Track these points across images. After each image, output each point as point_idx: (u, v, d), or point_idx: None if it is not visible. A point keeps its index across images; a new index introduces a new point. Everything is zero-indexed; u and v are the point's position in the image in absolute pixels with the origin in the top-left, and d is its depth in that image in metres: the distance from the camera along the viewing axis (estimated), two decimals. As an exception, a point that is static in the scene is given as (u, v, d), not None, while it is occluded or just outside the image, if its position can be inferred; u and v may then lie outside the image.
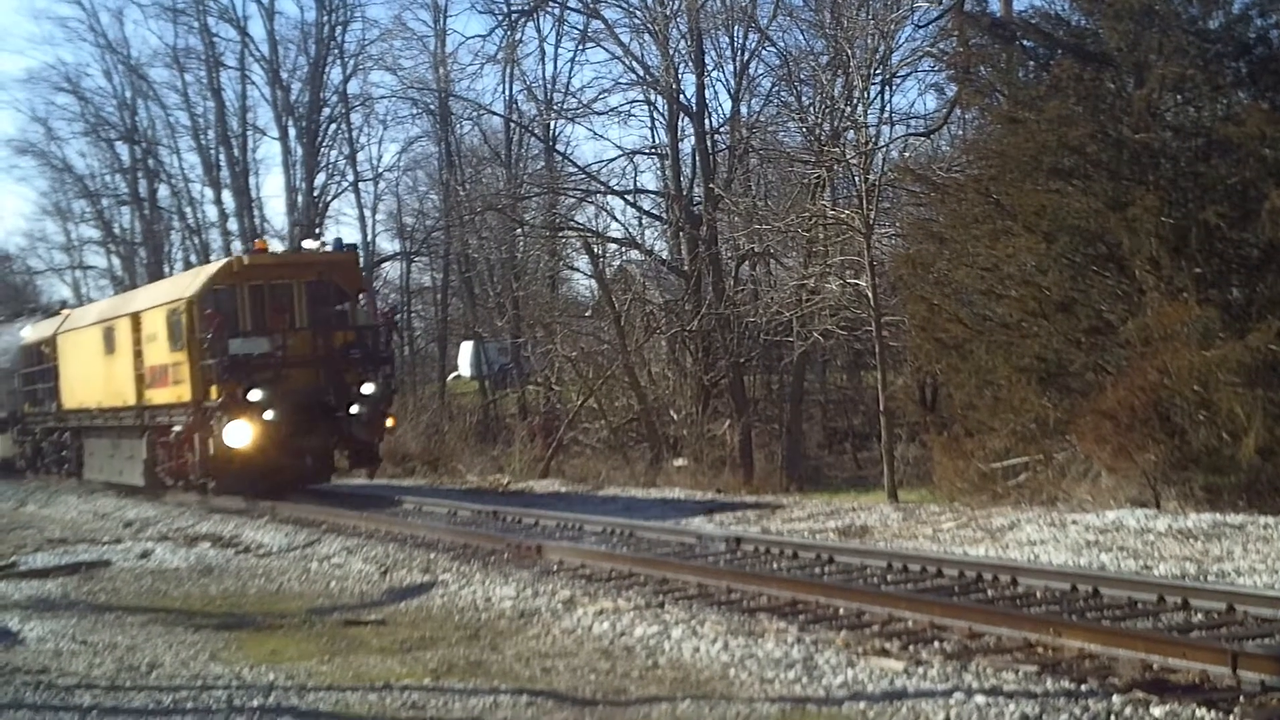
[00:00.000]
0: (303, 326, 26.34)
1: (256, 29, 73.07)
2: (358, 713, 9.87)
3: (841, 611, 12.31)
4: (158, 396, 27.47)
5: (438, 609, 14.18)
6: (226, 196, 59.46)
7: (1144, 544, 15.39)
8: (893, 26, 28.75)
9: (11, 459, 41.81)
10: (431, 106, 49.49)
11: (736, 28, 35.89)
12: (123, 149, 63.94)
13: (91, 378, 31.87)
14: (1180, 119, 21.57)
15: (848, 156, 28.77)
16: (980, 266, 22.70)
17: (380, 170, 57.90)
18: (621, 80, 38.16)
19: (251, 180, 59.38)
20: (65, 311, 39.94)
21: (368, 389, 25.55)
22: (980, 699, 8.89)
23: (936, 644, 10.80)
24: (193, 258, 59.64)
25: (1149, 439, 19.38)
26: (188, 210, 63.35)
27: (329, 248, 27.36)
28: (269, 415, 24.55)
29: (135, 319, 28.73)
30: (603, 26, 37.48)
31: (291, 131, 56.00)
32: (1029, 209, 21.21)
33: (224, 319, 24.98)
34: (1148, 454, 19.40)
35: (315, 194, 55.13)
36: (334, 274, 26.63)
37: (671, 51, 35.28)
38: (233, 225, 58.99)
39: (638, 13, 36.40)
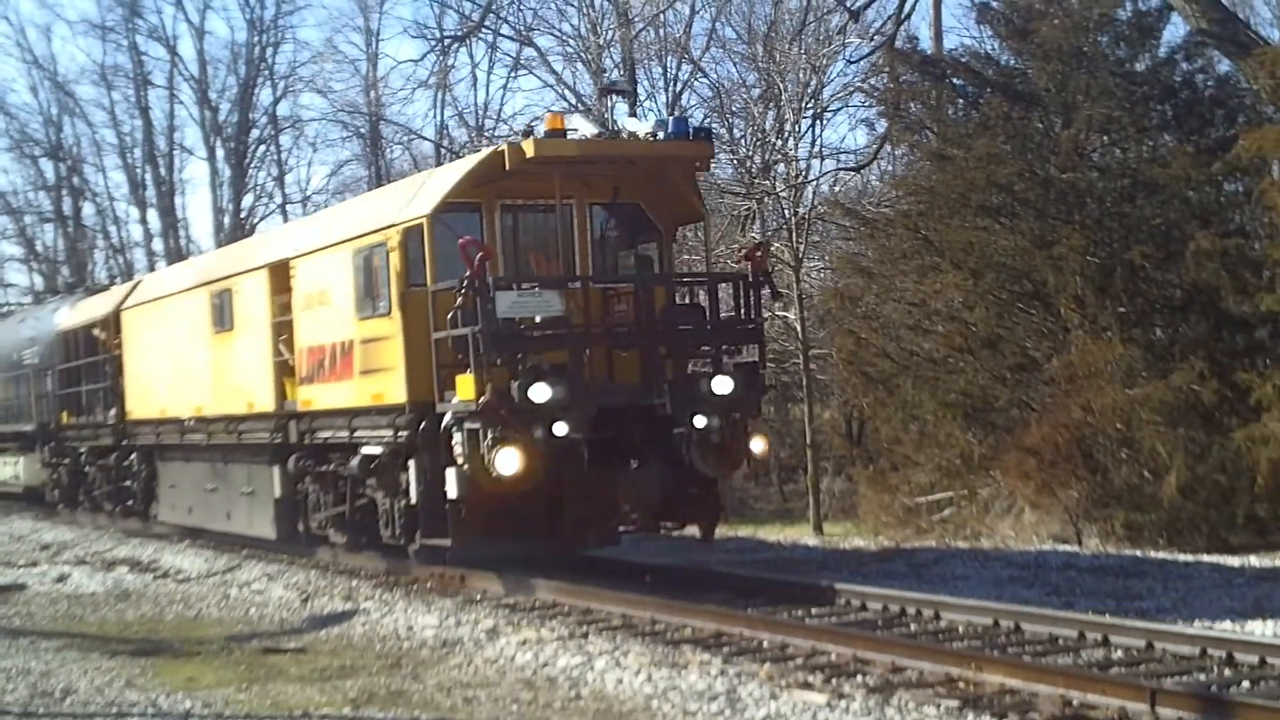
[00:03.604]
0: (597, 277, 16.27)
1: (186, 48, 72.22)
2: (275, 742, 9.76)
3: (765, 644, 12.31)
4: (324, 396, 17.35)
5: (359, 637, 14.06)
6: (152, 216, 58.82)
7: (1065, 580, 15.51)
8: (824, 61, 28.95)
9: (39, 488, 31.16)
10: (362, 130, 49.31)
11: (669, 58, 36.04)
12: (47, 166, 63.09)
13: (183, 371, 22.11)
14: (1107, 159, 21.85)
15: (778, 189, 28.90)
16: (908, 301, 22.87)
17: (309, 193, 57.53)
18: (554, 108, 38.07)
19: (177, 200, 58.71)
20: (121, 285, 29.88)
21: (722, 386, 15.09)
22: (902, 734, 8.91)
23: (860, 677, 10.81)
24: (118, 279, 59.01)
25: (1072, 476, 19.57)
26: (112, 229, 62.60)
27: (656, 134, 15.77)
28: (561, 429, 14.35)
29: (279, 272, 18.52)
30: (536, 54, 37.58)
31: (219, 152, 55.56)
32: (956, 245, 21.39)
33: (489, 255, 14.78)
34: (1070, 491, 19.59)
35: (242, 215, 54.68)
36: (644, 188, 16.48)
37: (604, 80, 35.37)
38: (157, 245, 58.45)
39: (571, 41, 36.53)
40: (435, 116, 43.71)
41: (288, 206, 55.93)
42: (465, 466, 14.53)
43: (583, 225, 16.28)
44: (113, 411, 25.41)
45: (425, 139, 43.87)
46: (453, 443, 14.75)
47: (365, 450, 16.43)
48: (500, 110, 43.91)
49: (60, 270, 65.25)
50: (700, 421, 15.00)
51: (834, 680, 10.71)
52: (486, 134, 41.15)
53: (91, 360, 26.96)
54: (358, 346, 16.45)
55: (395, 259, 15.59)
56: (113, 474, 26.48)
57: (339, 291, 16.94)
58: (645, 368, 15.48)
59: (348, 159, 53.43)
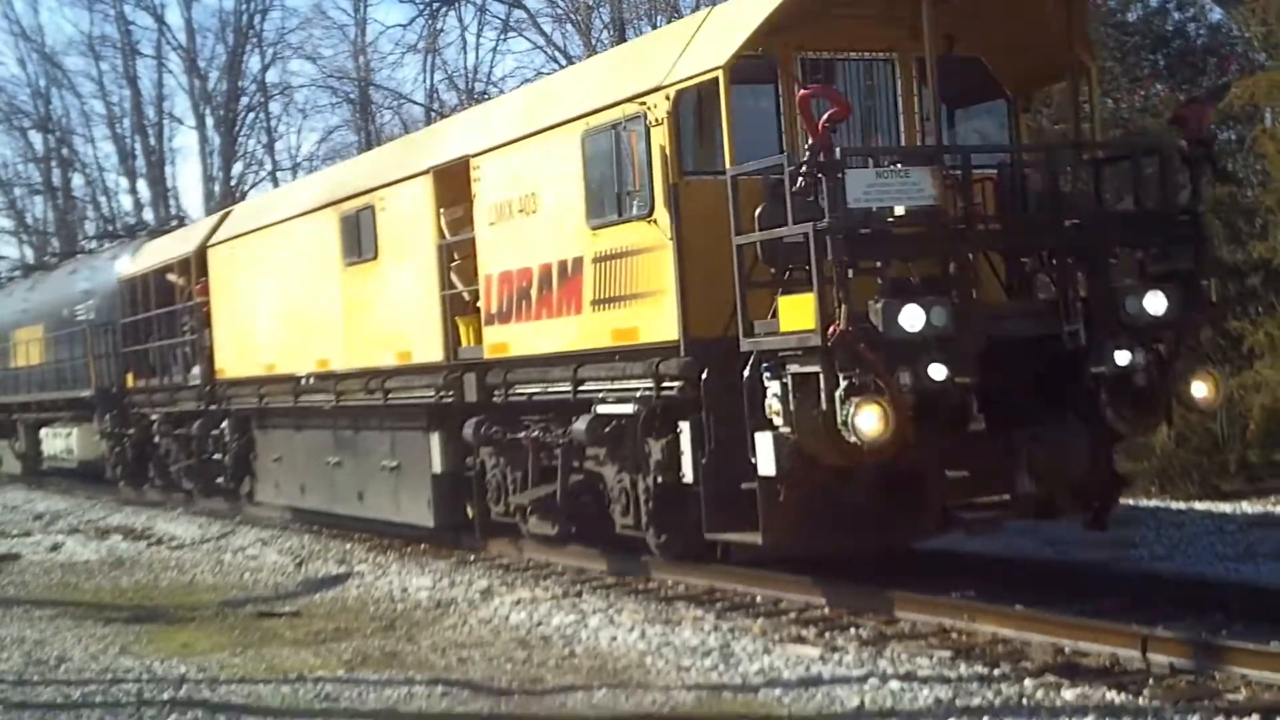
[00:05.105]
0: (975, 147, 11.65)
1: (174, 17, 71.88)
2: (270, 705, 9.77)
3: (759, 599, 12.30)
4: (528, 338, 13.27)
5: (353, 600, 14.07)
6: (141, 186, 58.80)
7: (1058, 529, 15.48)
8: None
9: (97, 463, 27.23)
10: (351, 96, 49.07)
11: (659, 17, 35.88)
12: (36, 137, 63.06)
13: (300, 316, 18.04)
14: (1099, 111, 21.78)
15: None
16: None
17: (299, 159, 57.36)
18: (544, 70, 37.99)
19: (167, 169, 58.73)
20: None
21: (1155, 304, 10.58)
22: (895, 684, 8.92)
23: (852, 630, 10.82)
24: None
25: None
26: (102, 200, 62.53)
27: None
28: (939, 372, 9.79)
29: (451, 176, 14.42)
30: (525, 16, 37.44)
31: (209, 120, 55.43)
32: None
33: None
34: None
35: (233, 183, 54.56)
36: (988, 35, 11.89)
37: (594, 41, 35.25)
38: (148, 215, 58.36)
39: (560, 2, 36.37)
40: (425, 81, 43.47)
41: (278, 174, 55.86)
42: (788, 429, 10.13)
43: (909, 88, 11.76)
44: (196, 370, 21.37)
45: (415, 103, 43.69)
46: (766, 395, 10.29)
47: (601, 409, 12.27)
48: (490, 73, 43.79)
49: (50, 242, 65.24)
50: (1123, 358, 10.45)
51: (827, 634, 10.72)
52: (477, 96, 41.05)
53: (166, 311, 22.87)
54: (589, 267, 12.24)
55: (660, 137, 11.21)
56: (194, 446, 22.19)
57: (556, 192, 12.69)
58: (1019, 283, 11.19)
59: (337, 125, 53.24)
